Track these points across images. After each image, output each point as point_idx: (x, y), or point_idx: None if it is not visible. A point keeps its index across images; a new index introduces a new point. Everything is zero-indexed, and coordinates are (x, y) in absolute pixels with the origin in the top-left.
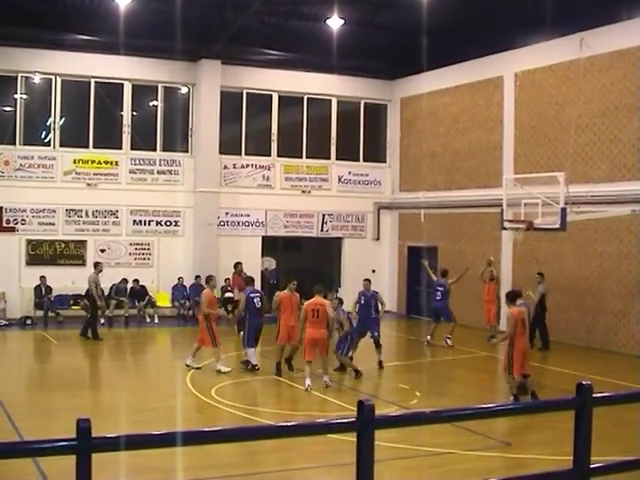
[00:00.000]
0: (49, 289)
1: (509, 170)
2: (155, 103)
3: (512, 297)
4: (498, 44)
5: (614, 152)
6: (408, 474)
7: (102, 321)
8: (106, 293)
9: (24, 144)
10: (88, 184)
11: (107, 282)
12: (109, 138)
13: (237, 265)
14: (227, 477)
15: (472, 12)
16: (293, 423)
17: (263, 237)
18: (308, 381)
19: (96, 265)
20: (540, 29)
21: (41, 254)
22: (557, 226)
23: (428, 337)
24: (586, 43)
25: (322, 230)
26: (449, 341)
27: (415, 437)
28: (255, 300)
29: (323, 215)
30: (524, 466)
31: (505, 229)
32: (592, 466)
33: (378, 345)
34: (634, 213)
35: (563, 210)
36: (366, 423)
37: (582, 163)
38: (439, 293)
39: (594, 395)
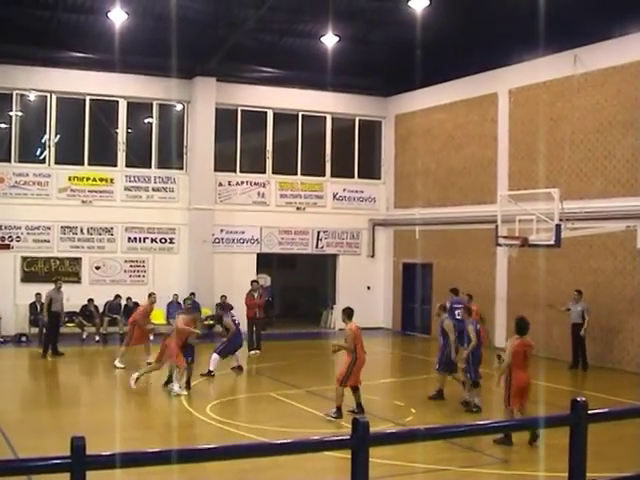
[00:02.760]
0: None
1: (503, 186)
2: (150, 120)
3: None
4: (492, 61)
5: (608, 168)
6: None
7: (97, 338)
8: (101, 310)
9: (19, 161)
10: (83, 201)
11: (102, 299)
12: (104, 155)
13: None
14: None
15: (466, 29)
16: (288, 440)
17: (258, 254)
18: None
19: (55, 281)
20: (534, 46)
21: (36, 271)
22: (552, 242)
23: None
24: (580, 60)
25: (317, 247)
26: None
27: (410, 454)
28: (237, 321)
29: (318, 232)
30: None
31: (500, 245)
32: None
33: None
34: (629, 229)
35: (558, 226)
36: (361, 440)
37: (576, 179)
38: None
39: (589, 412)
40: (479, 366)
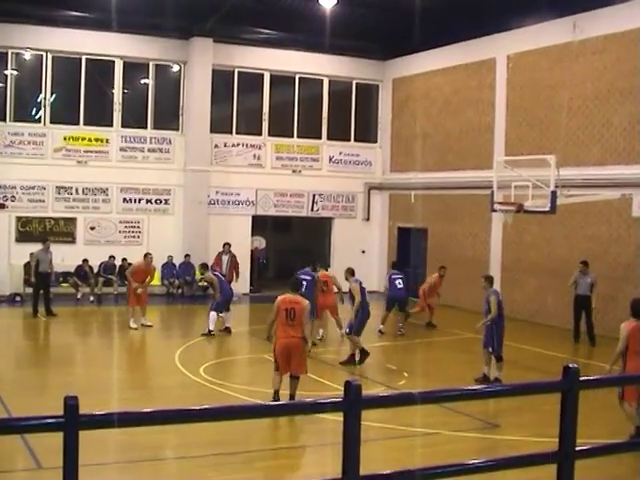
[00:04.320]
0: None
1: (500, 152)
2: (146, 81)
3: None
4: (491, 26)
5: (605, 136)
6: (395, 454)
7: (91, 299)
8: (95, 270)
9: (14, 120)
10: (78, 161)
11: (97, 260)
12: (100, 115)
13: (224, 246)
14: (215, 455)
15: None
16: (281, 402)
17: (253, 216)
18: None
19: (44, 242)
20: (533, 11)
21: (31, 231)
22: (547, 209)
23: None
24: (579, 26)
25: (312, 210)
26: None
27: (403, 417)
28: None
29: (313, 195)
30: (511, 447)
31: (495, 211)
32: (577, 448)
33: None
34: (624, 197)
35: (553, 193)
36: (353, 403)
37: (573, 146)
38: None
39: (580, 378)
40: (503, 339)
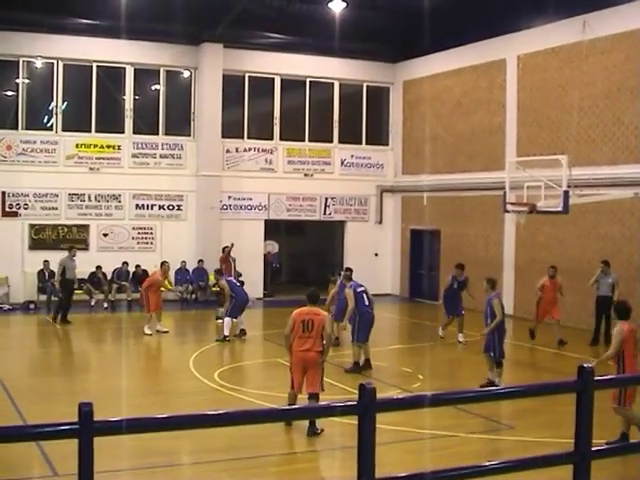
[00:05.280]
0: (52, 273)
1: (512, 153)
2: (157, 87)
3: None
4: (501, 26)
5: (617, 135)
6: (410, 457)
7: (105, 305)
8: (109, 277)
9: (26, 128)
10: (91, 168)
11: (110, 266)
12: (111, 122)
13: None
14: (230, 460)
15: None
16: (296, 406)
17: (266, 221)
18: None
19: (70, 249)
20: (543, 11)
21: (44, 239)
22: (560, 209)
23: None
24: (589, 25)
25: (325, 213)
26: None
27: (417, 420)
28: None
29: (326, 198)
30: (527, 449)
31: (508, 212)
32: (594, 449)
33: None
34: (637, 196)
35: (566, 193)
36: (367, 406)
37: (585, 146)
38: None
39: (595, 378)
40: (503, 343)
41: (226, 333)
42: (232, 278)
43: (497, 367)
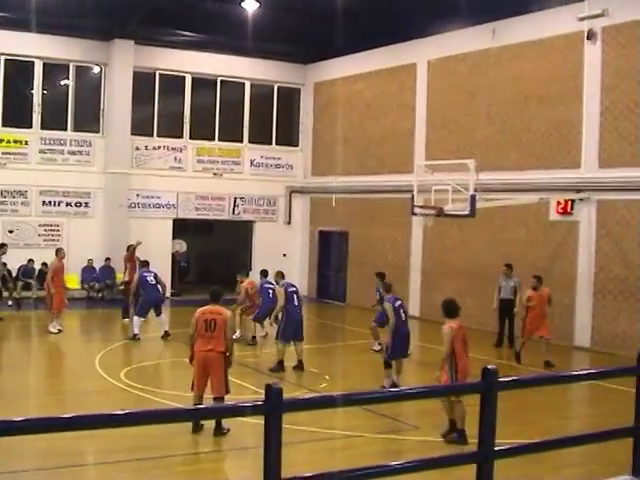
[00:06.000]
0: None
1: (420, 156)
2: (66, 82)
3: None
4: (412, 31)
5: (523, 141)
6: (317, 457)
7: (10, 303)
8: (13, 274)
9: None
10: None
11: (15, 263)
12: (19, 117)
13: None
14: (135, 460)
15: None
16: (202, 406)
17: (174, 220)
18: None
19: (1, 246)
20: (453, 18)
21: None
22: (467, 213)
23: None
24: (498, 33)
25: (233, 213)
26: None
27: (325, 420)
28: (149, 278)
29: (235, 198)
30: (431, 449)
31: (415, 215)
32: (496, 448)
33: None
34: (542, 201)
35: (473, 197)
36: (274, 406)
37: (492, 151)
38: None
39: (499, 379)
40: (402, 345)
41: (135, 331)
42: (147, 274)
43: (385, 368)
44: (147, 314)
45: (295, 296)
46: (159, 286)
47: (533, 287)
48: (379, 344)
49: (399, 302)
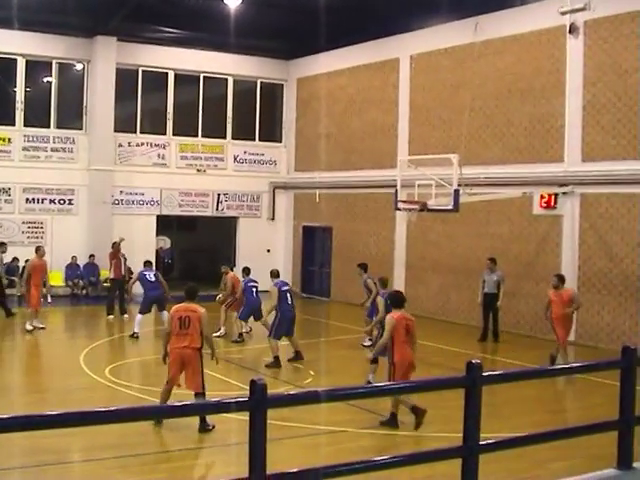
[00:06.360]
0: None
1: (404, 151)
2: (49, 79)
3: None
4: (395, 26)
5: (507, 135)
6: (302, 452)
7: None
8: None
9: None
10: None
11: None
12: (1, 114)
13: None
14: (121, 457)
15: None
16: (186, 402)
17: (158, 216)
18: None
19: (1, 245)
20: (436, 12)
21: None
22: (450, 207)
23: None
24: (481, 27)
25: (217, 209)
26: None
27: (309, 416)
28: (147, 276)
29: (218, 194)
30: (416, 444)
31: (399, 210)
32: (481, 443)
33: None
34: (525, 195)
35: (456, 191)
36: (258, 402)
37: (475, 145)
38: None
39: (483, 374)
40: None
41: (135, 330)
42: (147, 272)
43: (371, 363)
44: (148, 311)
45: (288, 294)
46: (159, 284)
47: (554, 286)
48: (370, 339)
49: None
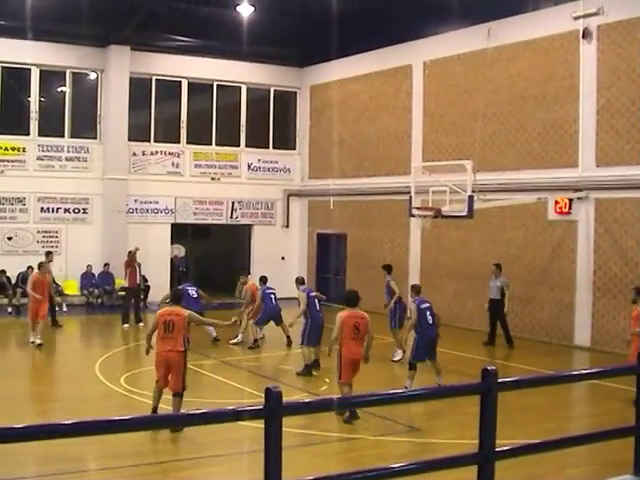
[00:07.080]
0: None
1: (417, 158)
2: (63, 89)
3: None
4: (407, 33)
5: (520, 141)
6: (317, 460)
7: (9, 310)
8: (13, 281)
9: None
10: None
11: (14, 270)
12: (16, 124)
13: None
14: (136, 466)
15: (382, 1)
16: (201, 411)
17: (172, 224)
18: None
19: (47, 254)
20: (449, 19)
21: None
22: (464, 213)
23: None
24: (493, 33)
25: (231, 217)
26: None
27: (324, 423)
28: (190, 291)
29: (233, 202)
30: (432, 450)
31: (413, 216)
32: (497, 449)
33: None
34: (540, 201)
35: (470, 198)
36: (273, 410)
37: (489, 151)
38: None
39: (499, 380)
40: (427, 348)
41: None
42: (189, 289)
43: (409, 369)
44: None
45: (317, 301)
46: (199, 298)
47: (633, 300)
48: (403, 351)
49: (426, 304)
